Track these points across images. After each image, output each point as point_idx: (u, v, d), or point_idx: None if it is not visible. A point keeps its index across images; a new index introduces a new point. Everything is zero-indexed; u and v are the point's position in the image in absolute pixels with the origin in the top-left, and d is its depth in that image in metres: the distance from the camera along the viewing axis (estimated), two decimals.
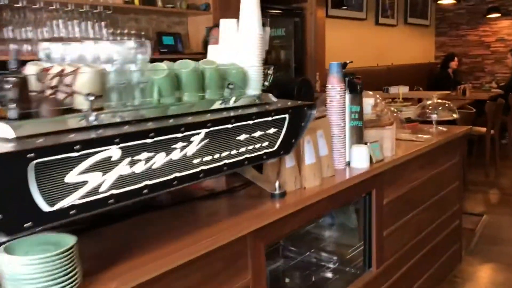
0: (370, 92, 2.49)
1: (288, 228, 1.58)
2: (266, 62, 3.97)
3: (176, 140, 1.07)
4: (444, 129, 2.90)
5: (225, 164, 1.23)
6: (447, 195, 2.88)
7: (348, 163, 1.98)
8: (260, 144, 1.34)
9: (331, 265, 2.23)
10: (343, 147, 1.96)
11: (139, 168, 1.01)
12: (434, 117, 2.89)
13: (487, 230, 3.62)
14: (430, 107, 2.96)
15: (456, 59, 7.15)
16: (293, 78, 2.36)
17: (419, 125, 2.92)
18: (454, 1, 6.83)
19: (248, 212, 1.45)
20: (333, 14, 5.19)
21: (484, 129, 5.22)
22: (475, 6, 7.58)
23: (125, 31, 3.64)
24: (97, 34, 3.39)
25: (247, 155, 1.30)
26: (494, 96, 6.07)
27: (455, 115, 2.92)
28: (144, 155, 1.01)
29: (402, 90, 4.38)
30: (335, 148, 1.92)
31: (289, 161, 1.60)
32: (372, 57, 5.97)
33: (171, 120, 1.07)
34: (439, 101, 3.00)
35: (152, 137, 1.01)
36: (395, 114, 2.84)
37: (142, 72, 1.11)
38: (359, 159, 1.96)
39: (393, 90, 4.42)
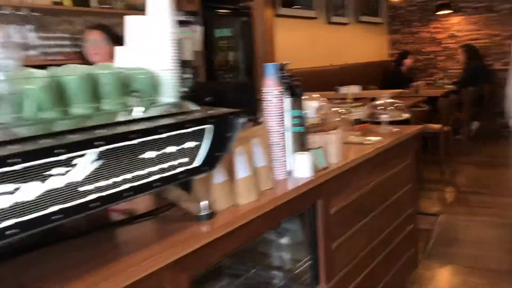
0: (316, 95, 2.34)
1: (218, 253, 1.39)
2: (212, 64, 3.76)
3: (54, 165, 0.86)
4: (396, 129, 2.79)
5: (129, 188, 1.04)
6: (400, 198, 2.76)
7: (290, 173, 1.81)
8: (176, 161, 1.15)
9: (278, 282, 2.06)
10: (284, 156, 1.79)
11: (2, 203, 0.80)
12: (384, 117, 2.77)
13: (444, 230, 3.55)
14: (380, 107, 2.84)
15: (410, 56, 7.16)
16: (230, 82, 2.18)
17: (369, 126, 2.80)
18: None
19: (169, 239, 1.25)
20: (283, 13, 5.05)
21: (438, 126, 5.19)
22: (426, 2, 7.63)
23: (57, 34, 3.37)
24: (24, 38, 3.11)
25: (159, 176, 1.11)
26: (447, 92, 6.10)
27: (405, 115, 2.81)
28: (7, 186, 0.80)
29: (353, 89, 4.28)
30: (274, 157, 1.75)
31: (218, 176, 1.42)
32: (325, 57, 5.87)
33: (45, 140, 0.86)
34: (390, 100, 2.88)
35: (14, 164, 0.80)
36: (344, 116, 2.71)
37: (12, 81, 0.89)
38: (302, 167, 1.80)
39: (345, 90, 4.32)
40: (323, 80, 5.27)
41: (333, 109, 2.72)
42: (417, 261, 3.00)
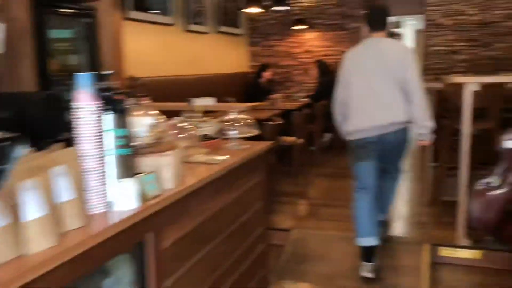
0: (154, 111, 2.07)
1: None
2: (45, 69, 3.19)
3: None
4: (246, 146, 2.64)
5: None
6: (250, 218, 2.62)
7: (112, 205, 1.52)
8: None
9: None
10: (103, 185, 1.49)
11: None
12: (232, 133, 2.60)
13: (296, 246, 3.52)
14: (229, 123, 2.68)
15: (270, 69, 7.26)
16: (38, 93, 1.82)
17: (219, 143, 2.61)
18: (262, 10, 6.89)
19: None
20: (135, 17, 4.70)
21: (292, 139, 5.27)
22: (284, 17, 7.83)
23: None
24: None
25: None
26: (301, 105, 6.27)
27: (254, 131, 2.68)
28: None
29: (206, 102, 4.10)
30: (89, 187, 1.44)
31: None
32: (183, 66, 5.64)
33: None
34: (239, 116, 2.73)
35: None
36: (191, 132, 2.49)
37: None
38: (125, 198, 1.52)
39: (199, 102, 4.14)
40: (180, 91, 5.03)
41: (179, 124, 2.49)
42: (269, 282, 2.89)
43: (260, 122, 4.50)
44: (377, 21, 3.22)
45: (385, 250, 3.32)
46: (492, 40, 7.17)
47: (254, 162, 2.67)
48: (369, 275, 2.99)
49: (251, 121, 2.75)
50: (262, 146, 2.76)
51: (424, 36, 7.75)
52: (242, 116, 2.75)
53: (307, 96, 6.95)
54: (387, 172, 3.32)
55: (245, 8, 6.26)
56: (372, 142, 3.09)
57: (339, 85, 3.26)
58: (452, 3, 7.26)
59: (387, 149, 3.14)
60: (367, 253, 3.05)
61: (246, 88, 7.15)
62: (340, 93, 3.24)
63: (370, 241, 3.05)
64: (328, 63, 7.16)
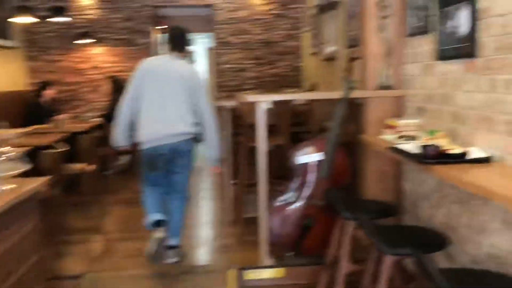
0: None
1: None
2: None
3: None
4: (10, 186, 2.09)
5: None
6: (22, 277, 2.08)
7: None
8: None
9: None
10: None
11: None
12: None
13: None
14: None
15: (52, 87, 6.44)
16: None
17: None
18: (37, 21, 6.08)
19: None
20: None
21: (81, 166, 4.69)
22: (66, 29, 7.11)
23: None
24: None
25: None
26: (91, 126, 5.69)
27: (21, 168, 2.14)
28: None
29: None
30: None
31: None
32: None
33: None
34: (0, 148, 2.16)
35: None
36: None
37: None
38: None
39: None
40: None
41: None
42: None
43: (38, 151, 3.85)
44: (176, 42, 3.41)
45: (188, 282, 3.07)
46: (275, 59, 7.68)
47: (24, 206, 2.14)
48: (160, 233, 3.26)
49: (17, 153, 2.20)
50: (35, 183, 2.25)
51: (215, 54, 7.90)
52: (3, 148, 2.18)
53: (100, 116, 6.37)
54: (174, 190, 3.42)
55: (15, 17, 5.37)
56: (163, 153, 3.25)
57: (130, 91, 3.38)
58: (239, 22, 7.55)
59: (176, 159, 3.30)
60: (157, 225, 3.29)
61: (24, 109, 6.21)
62: (129, 102, 3.38)
63: (157, 216, 3.30)
64: (122, 79, 6.70)
